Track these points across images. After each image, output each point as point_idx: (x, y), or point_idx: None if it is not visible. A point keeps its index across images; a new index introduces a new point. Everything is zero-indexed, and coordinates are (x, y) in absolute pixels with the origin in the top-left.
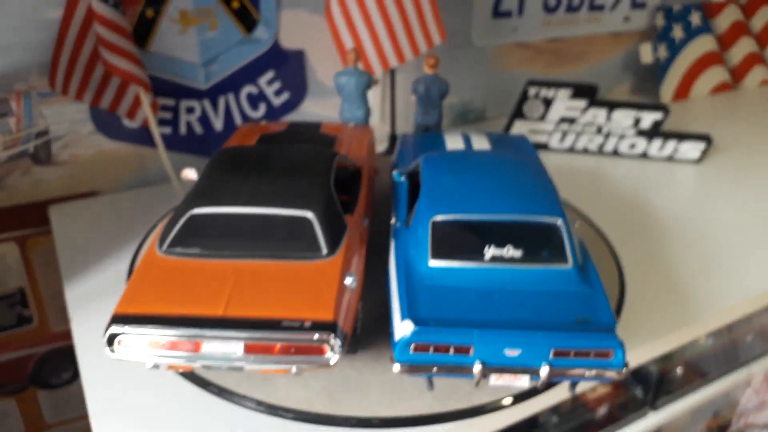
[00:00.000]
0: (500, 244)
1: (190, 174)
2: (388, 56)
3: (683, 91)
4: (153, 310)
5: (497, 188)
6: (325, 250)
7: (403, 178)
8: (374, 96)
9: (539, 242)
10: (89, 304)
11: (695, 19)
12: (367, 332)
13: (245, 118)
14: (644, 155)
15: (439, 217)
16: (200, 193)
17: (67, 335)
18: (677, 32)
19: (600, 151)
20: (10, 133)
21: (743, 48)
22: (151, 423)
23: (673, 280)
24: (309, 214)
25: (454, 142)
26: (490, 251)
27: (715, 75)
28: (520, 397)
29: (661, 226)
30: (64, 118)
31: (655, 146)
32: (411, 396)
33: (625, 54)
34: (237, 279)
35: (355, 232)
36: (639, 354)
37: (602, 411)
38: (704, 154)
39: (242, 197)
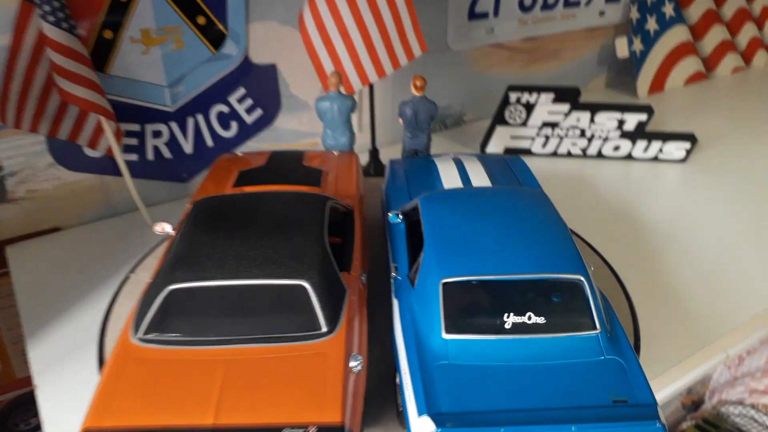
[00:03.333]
0: (520, 310)
1: (165, 227)
2: (367, 71)
3: (659, 83)
4: (130, 423)
5: (509, 239)
6: (325, 327)
7: (399, 219)
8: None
9: (563, 304)
10: (55, 367)
11: (669, 9)
12: (369, 399)
13: (216, 138)
14: (629, 157)
15: (450, 279)
16: (178, 262)
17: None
18: (651, 24)
19: (584, 154)
20: None
21: (715, 36)
22: None
23: (677, 300)
24: (305, 283)
25: (446, 169)
26: (509, 319)
27: (690, 65)
28: None
29: (654, 234)
30: (18, 151)
31: (640, 148)
32: None
33: (601, 49)
34: (227, 372)
35: (355, 295)
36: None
37: None
38: (689, 153)
39: (227, 266)
